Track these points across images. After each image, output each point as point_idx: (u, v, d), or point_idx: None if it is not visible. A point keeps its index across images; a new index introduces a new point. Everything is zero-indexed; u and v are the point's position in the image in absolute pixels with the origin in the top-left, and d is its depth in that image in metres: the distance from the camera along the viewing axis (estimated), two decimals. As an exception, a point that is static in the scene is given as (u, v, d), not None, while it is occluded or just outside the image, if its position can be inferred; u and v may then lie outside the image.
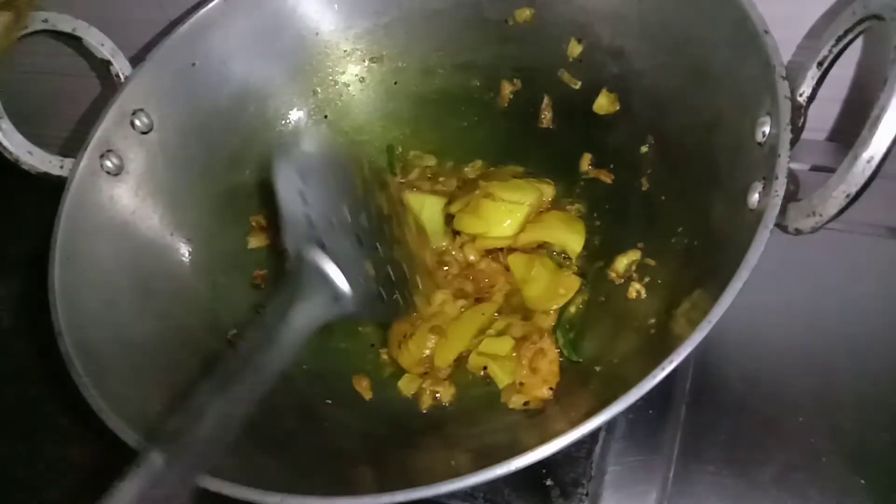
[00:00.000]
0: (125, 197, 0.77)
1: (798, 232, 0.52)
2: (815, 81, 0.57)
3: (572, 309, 0.74)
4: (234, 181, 0.87)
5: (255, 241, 0.87)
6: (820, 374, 0.75)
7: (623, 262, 0.74)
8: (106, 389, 0.62)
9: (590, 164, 0.85)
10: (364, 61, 0.91)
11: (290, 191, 0.65)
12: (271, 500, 0.53)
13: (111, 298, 0.71)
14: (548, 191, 0.82)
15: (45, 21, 0.75)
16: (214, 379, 0.54)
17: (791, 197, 0.54)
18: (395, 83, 0.92)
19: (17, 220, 1.19)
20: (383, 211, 0.75)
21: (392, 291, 0.70)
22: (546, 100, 0.87)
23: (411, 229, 0.80)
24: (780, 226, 0.53)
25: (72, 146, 0.76)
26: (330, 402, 0.76)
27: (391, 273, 0.71)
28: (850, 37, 0.54)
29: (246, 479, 0.59)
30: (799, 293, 0.78)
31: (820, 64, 0.56)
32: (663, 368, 0.50)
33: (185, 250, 0.81)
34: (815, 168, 0.84)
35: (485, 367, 0.74)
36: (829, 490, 0.69)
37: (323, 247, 0.64)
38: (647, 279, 0.71)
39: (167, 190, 0.80)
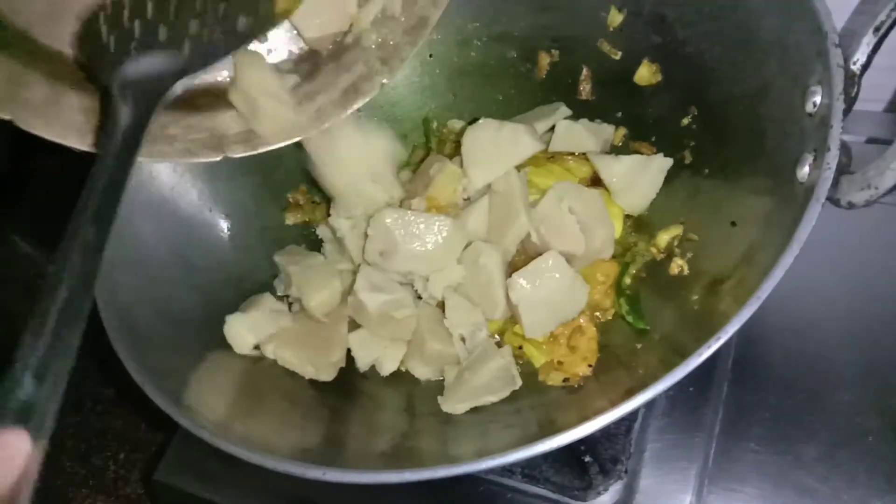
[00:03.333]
0: (164, 173, 0.77)
1: (851, 205, 0.51)
2: (870, 48, 0.55)
3: (627, 279, 0.73)
4: (270, 158, 0.86)
5: (292, 217, 0.87)
6: (866, 351, 0.73)
7: (664, 238, 0.73)
8: (148, 362, 0.63)
9: (623, 138, 0.84)
10: (399, 34, 0.90)
11: None
12: (312, 474, 0.54)
13: (153, 274, 0.72)
14: (583, 170, 0.81)
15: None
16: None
17: (843, 169, 0.52)
18: (431, 56, 0.91)
19: (58, 196, 1.21)
20: None
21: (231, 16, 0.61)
22: (585, 71, 0.85)
23: None
24: (832, 199, 0.52)
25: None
26: (367, 377, 0.76)
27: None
28: (910, 0, 0.52)
29: (287, 452, 0.60)
30: (843, 268, 0.76)
31: (876, 30, 0.54)
32: (710, 346, 0.49)
33: (223, 226, 0.81)
34: (871, 140, 0.81)
35: (520, 347, 0.74)
36: (876, 469, 0.68)
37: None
38: (689, 255, 0.70)
39: (204, 166, 0.80)
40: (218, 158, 0.66)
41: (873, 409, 0.70)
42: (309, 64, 0.70)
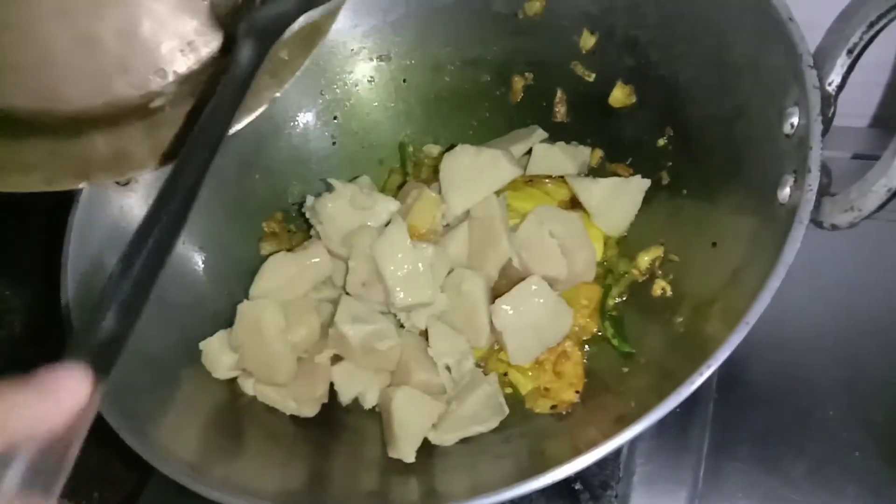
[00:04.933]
0: (136, 207, 0.75)
1: (834, 227, 0.51)
2: (844, 69, 0.55)
3: (611, 302, 0.72)
4: (244, 187, 0.85)
5: (268, 248, 0.85)
6: (850, 366, 0.73)
7: (645, 259, 0.73)
8: (123, 405, 0.61)
9: (600, 160, 0.84)
10: (372, 60, 0.89)
11: None
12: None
13: (126, 312, 0.69)
14: (562, 193, 0.80)
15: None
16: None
17: (824, 191, 0.53)
18: (405, 81, 0.90)
19: (25, 228, 1.18)
20: None
21: None
22: (559, 94, 0.85)
23: None
24: (815, 221, 0.52)
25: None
26: (349, 411, 0.75)
27: None
28: (883, 22, 0.52)
29: (271, 493, 0.58)
30: (827, 283, 0.76)
31: (850, 52, 0.55)
32: (701, 374, 0.49)
33: (198, 260, 0.79)
34: (857, 156, 0.82)
35: (505, 374, 0.73)
36: (864, 484, 0.67)
37: None
38: (671, 276, 0.70)
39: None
40: (81, 186, 0.62)
41: (859, 424, 0.70)
42: (191, 84, 0.65)
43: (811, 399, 0.73)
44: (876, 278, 0.77)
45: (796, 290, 0.74)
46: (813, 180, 0.51)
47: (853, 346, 0.74)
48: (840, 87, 0.56)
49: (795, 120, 0.56)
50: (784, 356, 0.76)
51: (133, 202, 0.75)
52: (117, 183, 0.74)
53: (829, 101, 0.55)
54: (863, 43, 0.54)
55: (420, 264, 0.69)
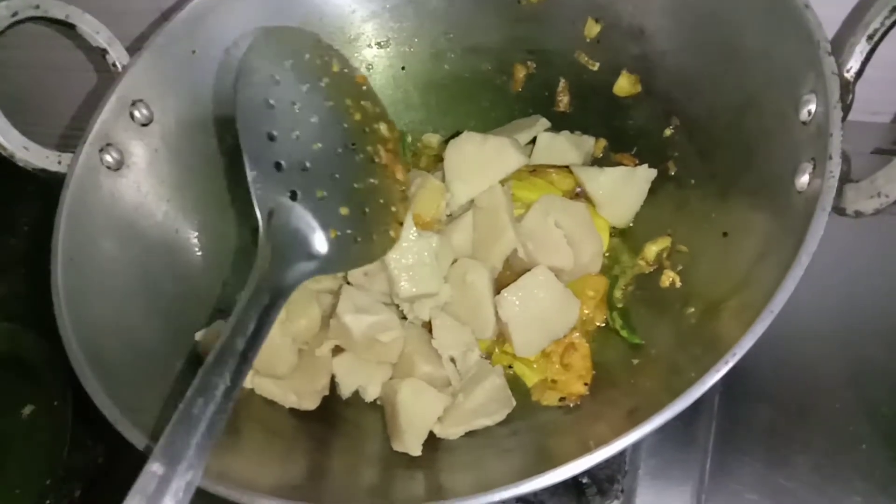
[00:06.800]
0: (127, 193, 0.72)
1: (858, 214, 0.50)
2: (864, 56, 0.54)
3: (618, 293, 0.71)
4: (240, 174, 0.82)
5: (264, 237, 0.83)
6: (855, 360, 0.73)
7: (652, 250, 0.72)
8: (120, 399, 0.58)
9: (604, 150, 0.82)
10: (370, 46, 0.87)
11: (254, 112, 0.60)
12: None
13: (119, 302, 0.67)
14: (566, 183, 0.79)
15: (37, 7, 0.70)
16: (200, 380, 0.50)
17: (844, 178, 0.52)
18: (403, 69, 0.89)
19: (7, 219, 1.14)
20: (355, 116, 0.67)
21: (368, 230, 0.64)
22: (562, 83, 0.84)
23: (383, 136, 0.72)
24: (837, 208, 0.51)
25: (69, 141, 0.72)
26: (350, 404, 0.73)
27: (367, 209, 0.64)
28: (906, 8, 0.51)
29: (270, 488, 0.56)
30: (833, 276, 0.76)
31: (870, 37, 0.54)
32: (727, 362, 0.48)
33: (192, 249, 0.77)
34: (877, 151, 0.81)
35: (510, 366, 0.72)
36: (871, 476, 0.67)
37: (295, 197, 0.59)
38: (680, 267, 0.69)
39: (170, 184, 0.76)
40: None
41: (865, 416, 0.70)
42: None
43: (817, 392, 0.72)
44: (882, 272, 0.77)
45: (802, 282, 0.74)
46: (834, 167, 0.50)
47: (859, 339, 0.74)
48: (859, 74, 0.55)
49: (812, 107, 0.55)
50: (790, 350, 0.75)
51: (124, 187, 0.72)
52: (108, 168, 0.72)
53: (847, 88, 0.54)
54: (883, 29, 0.53)
55: (426, 254, 0.67)
